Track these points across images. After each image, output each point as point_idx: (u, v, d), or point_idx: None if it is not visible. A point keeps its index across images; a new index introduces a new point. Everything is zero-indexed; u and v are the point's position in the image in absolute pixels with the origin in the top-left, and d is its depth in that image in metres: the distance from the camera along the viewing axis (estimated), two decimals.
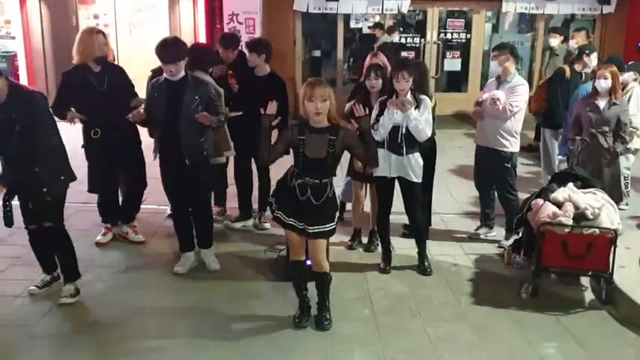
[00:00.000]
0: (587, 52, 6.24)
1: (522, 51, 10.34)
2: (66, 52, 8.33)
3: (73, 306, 4.12)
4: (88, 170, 4.96)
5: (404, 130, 4.39)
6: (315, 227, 3.68)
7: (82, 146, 4.93)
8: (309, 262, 3.93)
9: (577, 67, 6.23)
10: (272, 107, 3.72)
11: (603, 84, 5.11)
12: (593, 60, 6.21)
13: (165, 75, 4.30)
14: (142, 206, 5.42)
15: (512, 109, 4.84)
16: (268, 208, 3.92)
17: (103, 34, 4.86)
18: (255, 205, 5.61)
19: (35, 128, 3.80)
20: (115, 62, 5.27)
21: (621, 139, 5.20)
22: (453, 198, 6.46)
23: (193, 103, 4.27)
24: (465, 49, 10.92)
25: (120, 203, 5.26)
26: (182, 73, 4.29)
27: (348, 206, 5.31)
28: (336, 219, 3.77)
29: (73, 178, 4.21)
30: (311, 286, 3.95)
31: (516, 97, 4.87)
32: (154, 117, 4.36)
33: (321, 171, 3.63)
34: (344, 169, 5.15)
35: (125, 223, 5.21)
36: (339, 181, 5.20)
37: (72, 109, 4.67)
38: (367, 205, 5.15)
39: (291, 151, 3.71)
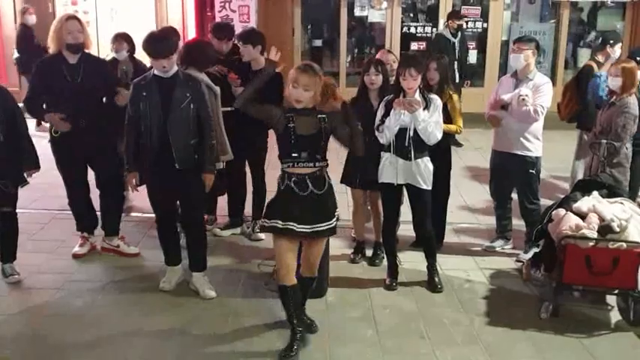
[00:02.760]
0: (611, 41, 6.23)
1: (545, 42, 10.37)
2: (42, 42, 8.36)
3: (44, 326, 4.14)
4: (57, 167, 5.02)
5: (412, 133, 4.42)
6: (321, 225, 3.71)
7: (49, 141, 4.95)
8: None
9: (600, 57, 6.24)
10: (274, 53, 3.83)
11: (612, 82, 5.11)
12: (617, 51, 6.21)
13: (155, 72, 4.31)
14: (122, 215, 5.42)
15: (543, 110, 4.87)
16: (263, 221, 3.88)
17: (79, 20, 4.86)
18: (249, 213, 5.65)
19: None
20: (94, 51, 5.30)
21: (609, 147, 4.94)
22: (467, 206, 6.49)
23: (184, 101, 4.29)
24: (481, 39, 10.95)
25: (101, 212, 5.28)
26: (175, 69, 4.32)
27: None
28: (337, 216, 3.82)
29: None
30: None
31: (544, 97, 4.90)
32: (139, 121, 4.30)
33: (314, 151, 3.66)
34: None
35: (112, 235, 5.23)
36: None
37: (50, 110, 4.73)
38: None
39: (277, 143, 3.76)
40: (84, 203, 5.19)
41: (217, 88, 4.92)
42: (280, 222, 3.69)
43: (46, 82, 4.74)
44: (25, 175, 4.67)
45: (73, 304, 4.44)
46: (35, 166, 4.70)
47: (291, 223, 3.67)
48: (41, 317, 4.29)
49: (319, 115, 3.69)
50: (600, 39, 6.58)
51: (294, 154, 3.67)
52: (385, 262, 4.86)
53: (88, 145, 4.82)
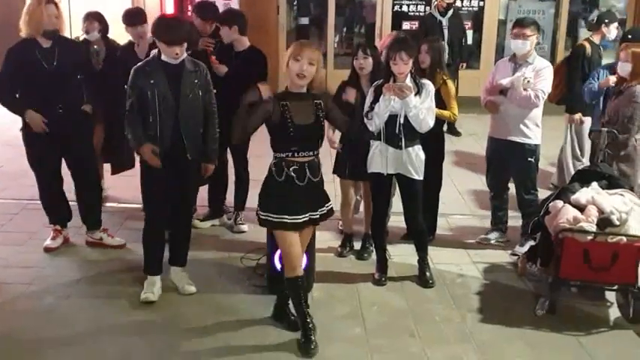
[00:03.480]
0: (606, 20, 6.21)
1: (544, 21, 10.31)
2: (9, 24, 8.18)
3: (15, 323, 4.08)
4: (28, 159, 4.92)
5: (402, 120, 4.37)
6: (321, 210, 3.82)
7: (20, 129, 4.86)
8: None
9: (595, 38, 6.21)
10: (265, 90, 3.61)
11: (621, 67, 5.03)
12: (612, 31, 6.20)
13: (164, 58, 4.20)
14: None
15: (544, 95, 4.84)
16: (257, 214, 3.85)
17: (56, 4, 4.77)
18: (230, 203, 5.59)
19: None
20: (67, 33, 5.21)
21: (610, 135, 4.85)
22: (460, 196, 6.47)
23: (194, 88, 4.25)
24: (477, 18, 10.86)
25: (80, 205, 5.18)
26: (184, 55, 4.25)
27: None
28: (330, 202, 3.92)
29: None
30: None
31: (545, 81, 4.87)
32: (146, 110, 4.17)
33: (312, 140, 3.70)
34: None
35: (95, 229, 5.16)
36: None
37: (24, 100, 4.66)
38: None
39: (270, 133, 3.73)
40: (57, 195, 5.11)
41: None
42: (287, 216, 3.72)
43: (19, 70, 4.65)
44: None
45: (46, 300, 4.38)
46: None
47: (296, 216, 3.73)
48: (12, 314, 4.22)
49: (315, 101, 3.68)
50: (595, 19, 6.54)
51: (293, 148, 3.67)
52: (374, 255, 4.83)
53: (65, 132, 4.75)
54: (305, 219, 3.76)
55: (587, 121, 6.16)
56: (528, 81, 4.79)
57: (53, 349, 3.84)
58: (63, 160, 5.01)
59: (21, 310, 4.25)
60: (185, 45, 4.22)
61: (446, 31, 8.66)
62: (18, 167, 6.40)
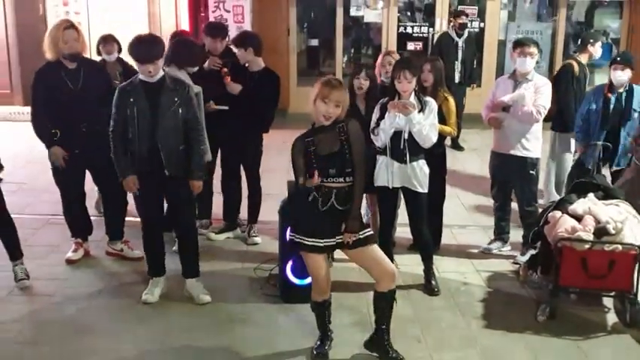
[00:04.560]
0: (591, 40, 6.30)
1: (542, 40, 10.41)
2: (32, 45, 8.36)
3: (38, 334, 4.17)
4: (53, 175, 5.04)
5: (406, 136, 4.47)
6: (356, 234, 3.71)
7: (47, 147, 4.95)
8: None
9: (582, 57, 6.27)
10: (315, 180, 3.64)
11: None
12: (598, 50, 6.27)
13: (140, 77, 4.34)
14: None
15: (545, 110, 4.96)
16: (290, 234, 3.86)
17: (76, 28, 4.89)
18: (244, 217, 5.68)
19: None
20: (88, 54, 5.36)
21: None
22: (464, 207, 6.54)
23: (173, 106, 4.32)
24: (478, 39, 10.99)
25: (104, 216, 5.31)
26: (161, 73, 4.36)
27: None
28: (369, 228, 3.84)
29: None
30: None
31: (545, 97, 4.98)
32: (127, 127, 4.29)
33: (341, 167, 3.65)
34: None
35: (116, 240, 5.26)
36: None
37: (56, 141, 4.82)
38: None
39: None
40: (80, 210, 5.23)
41: (199, 88, 4.88)
42: (308, 238, 3.70)
43: (47, 92, 4.79)
44: None
45: (68, 311, 4.46)
46: None
47: (320, 239, 3.69)
48: (36, 324, 4.33)
49: (337, 125, 3.65)
50: (580, 40, 6.64)
51: (321, 175, 3.64)
52: None
53: (89, 149, 4.86)
54: (330, 243, 3.72)
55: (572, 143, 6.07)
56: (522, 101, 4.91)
57: (76, 358, 3.93)
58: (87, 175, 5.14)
59: (45, 321, 4.34)
60: (159, 63, 4.27)
61: (460, 52, 8.78)
62: (40, 184, 6.55)
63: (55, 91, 4.78)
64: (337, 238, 3.73)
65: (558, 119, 6.21)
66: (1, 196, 4.66)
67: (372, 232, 3.82)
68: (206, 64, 5.31)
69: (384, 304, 3.85)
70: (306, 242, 3.71)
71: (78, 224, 5.27)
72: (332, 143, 3.66)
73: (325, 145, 3.65)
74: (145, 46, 4.27)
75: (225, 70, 5.29)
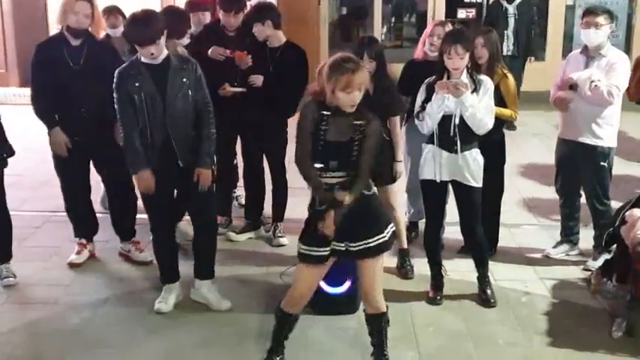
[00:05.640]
0: None
1: (618, 6, 10.20)
2: (29, 17, 8.50)
3: (40, 345, 4.23)
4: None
5: (457, 121, 4.41)
6: (359, 243, 3.65)
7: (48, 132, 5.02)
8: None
9: None
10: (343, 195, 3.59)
11: None
12: None
13: (143, 59, 4.32)
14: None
15: (619, 91, 4.84)
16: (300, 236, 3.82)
17: (92, 3, 4.86)
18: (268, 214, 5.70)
19: None
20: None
21: None
22: (525, 204, 6.47)
23: (183, 87, 4.33)
24: (542, 4, 10.82)
25: (111, 214, 5.36)
26: (165, 53, 4.34)
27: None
28: (386, 231, 3.72)
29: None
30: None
31: (620, 75, 4.88)
32: (132, 117, 4.31)
33: (344, 160, 3.60)
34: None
35: (125, 240, 5.33)
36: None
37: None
38: None
39: None
40: (84, 206, 5.29)
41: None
42: (307, 247, 3.71)
43: (47, 68, 4.84)
44: None
45: (71, 321, 4.52)
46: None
47: (320, 248, 3.67)
48: (36, 336, 4.39)
49: (355, 122, 3.60)
50: None
51: (319, 164, 3.62)
52: (419, 272, 4.89)
53: (90, 137, 4.92)
54: (324, 252, 3.68)
55: None
56: (596, 85, 4.78)
57: None
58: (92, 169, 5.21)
59: (45, 332, 4.39)
60: (160, 42, 4.23)
61: (512, 20, 8.65)
62: (39, 176, 6.65)
63: (54, 68, 4.83)
64: (338, 244, 3.66)
65: None
66: (2, 188, 4.75)
67: (386, 239, 3.71)
68: (210, 52, 5.31)
69: (374, 325, 3.88)
70: (301, 250, 3.72)
71: (82, 222, 5.33)
72: (343, 132, 3.61)
73: (335, 131, 3.62)
74: (141, 27, 4.22)
75: (243, 55, 5.23)
